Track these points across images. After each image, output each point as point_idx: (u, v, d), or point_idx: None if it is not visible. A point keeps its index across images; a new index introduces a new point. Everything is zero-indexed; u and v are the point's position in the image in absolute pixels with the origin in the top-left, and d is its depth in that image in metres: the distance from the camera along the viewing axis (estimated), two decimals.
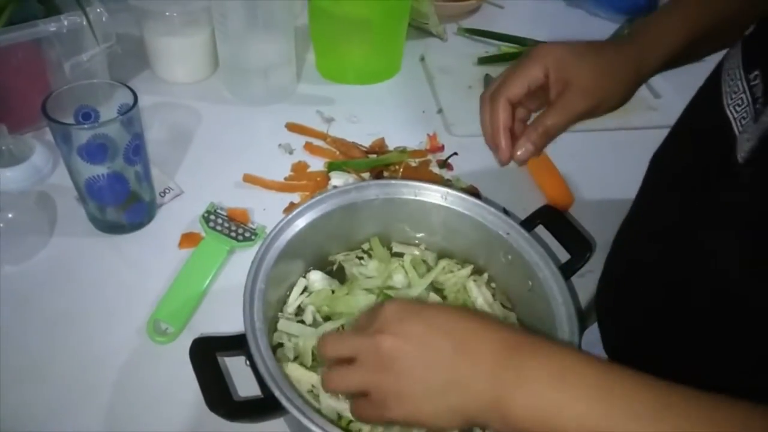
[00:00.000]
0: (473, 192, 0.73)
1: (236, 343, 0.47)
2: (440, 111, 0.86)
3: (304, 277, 0.58)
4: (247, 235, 0.66)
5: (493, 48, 0.98)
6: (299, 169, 0.76)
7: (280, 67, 0.84)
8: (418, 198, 0.59)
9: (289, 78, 0.87)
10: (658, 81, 0.90)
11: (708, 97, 0.44)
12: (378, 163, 0.75)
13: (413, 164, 0.76)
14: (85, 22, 0.71)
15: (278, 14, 0.79)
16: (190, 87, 0.88)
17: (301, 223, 0.56)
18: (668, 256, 0.45)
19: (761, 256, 0.36)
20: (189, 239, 0.66)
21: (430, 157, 0.78)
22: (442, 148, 0.80)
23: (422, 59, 0.96)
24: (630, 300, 0.50)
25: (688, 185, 0.44)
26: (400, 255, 0.61)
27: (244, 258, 0.63)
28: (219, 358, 0.48)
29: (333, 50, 0.90)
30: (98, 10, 0.72)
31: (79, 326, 0.58)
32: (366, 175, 0.74)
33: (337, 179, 0.72)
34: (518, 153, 0.53)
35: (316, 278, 0.58)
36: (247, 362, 0.46)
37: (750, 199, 0.37)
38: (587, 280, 0.60)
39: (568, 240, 0.58)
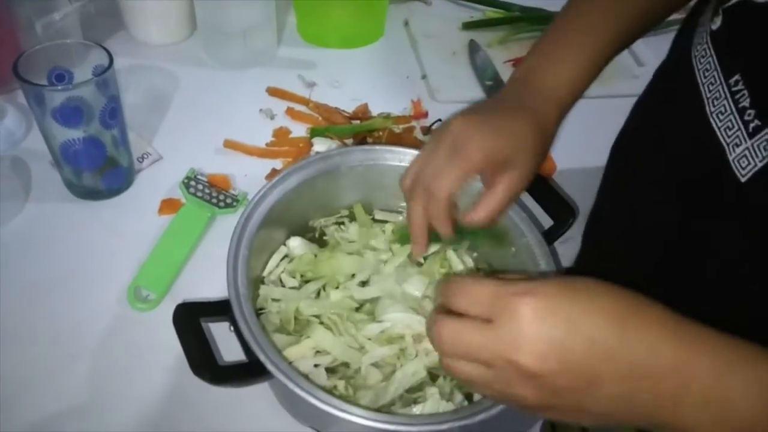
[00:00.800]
0: None
1: (220, 309, 0.47)
2: (424, 77, 0.85)
3: (285, 244, 0.58)
4: (228, 201, 0.65)
5: (478, 13, 0.97)
6: (281, 134, 0.74)
7: (260, 29, 0.82)
8: (402, 164, 0.59)
9: (269, 41, 0.85)
10: (641, 48, 0.90)
11: (686, 95, 0.42)
12: (361, 129, 0.74)
13: (397, 131, 0.75)
14: None
15: None
16: (166, 49, 0.85)
17: (283, 190, 0.55)
18: (651, 248, 0.46)
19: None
20: (169, 205, 0.65)
21: (414, 123, 0.77)
22: (426, 115, 0.79)
23: (406, 24, 0.94)
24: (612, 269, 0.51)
25: (672, 183, 0.44)
26: (383, 223, 0.61)
27: (225, 225, 0.63)
28: (203, 324, 0.47)
29: (315, 12, 0.88)
30: None
31: (57, 294, 0.57)
32: (349, 141, 0.73)
33: (320, 145, 0.71)
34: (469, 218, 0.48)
35: (296, 244, 0.58)
36: (231, 328, 0.46)
37: (753, 216, 0.37)
38: (568, 247, 0.61)
39: (551, 205, 0.58)
